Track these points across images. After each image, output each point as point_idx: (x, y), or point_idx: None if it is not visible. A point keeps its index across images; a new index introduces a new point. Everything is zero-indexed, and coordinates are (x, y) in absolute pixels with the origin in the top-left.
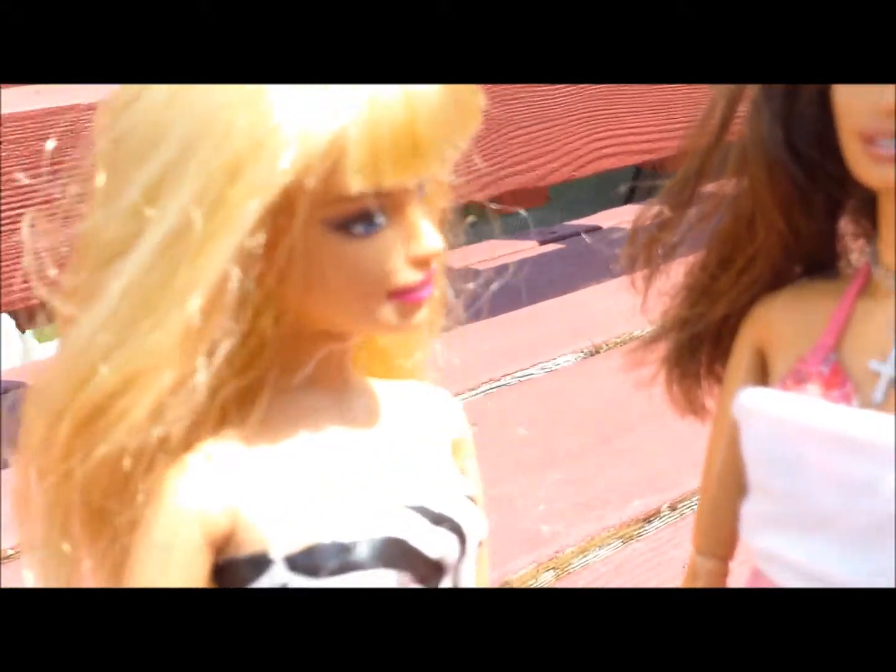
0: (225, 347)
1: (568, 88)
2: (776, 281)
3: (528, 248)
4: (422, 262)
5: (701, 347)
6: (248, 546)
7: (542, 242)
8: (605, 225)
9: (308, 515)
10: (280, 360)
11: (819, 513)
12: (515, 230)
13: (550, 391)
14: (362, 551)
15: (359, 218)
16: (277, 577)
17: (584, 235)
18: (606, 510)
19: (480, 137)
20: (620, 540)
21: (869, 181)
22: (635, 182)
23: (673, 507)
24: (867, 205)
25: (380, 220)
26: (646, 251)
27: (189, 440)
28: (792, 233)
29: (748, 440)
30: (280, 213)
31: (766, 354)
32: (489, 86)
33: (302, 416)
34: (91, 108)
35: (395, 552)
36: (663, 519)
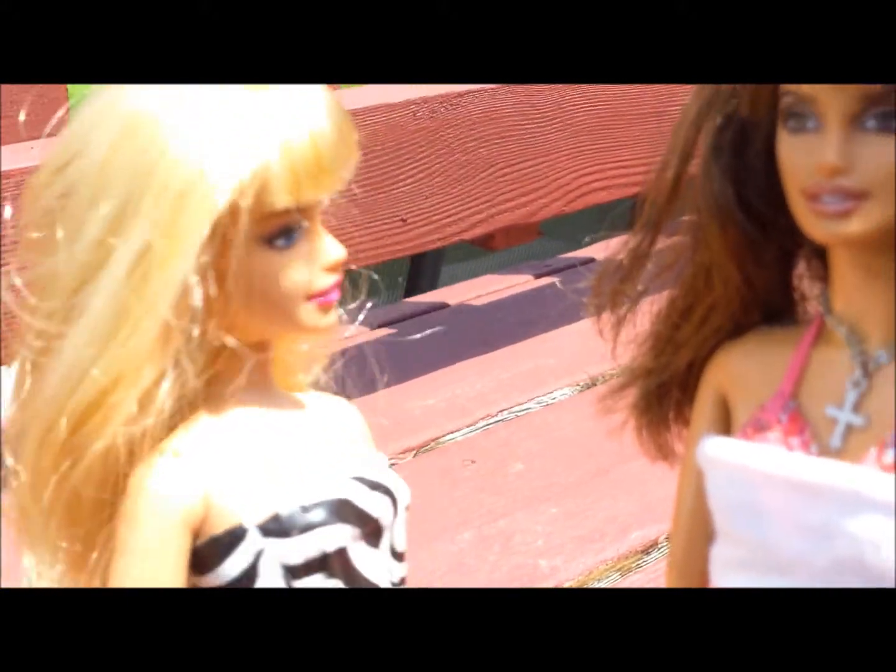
0: (191, 348)
1: (555, 124)
2: (737, 329)
3: (523, 281)
4: (332, 268)
5: (668, 394)
6: (222, 522)
7: (538, 276)
8: (600, 257)
9: (269, 489)
10: (221, 368)
11: (782, 557)
12: (510, 264)
13: (548, 425)
14: (320, 511)
15: (281, 232)
16: (252, 544)
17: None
18: (605, 542)
19: (471, 176)
20: (619, 572)
21: (816, 237)
22: (633, 212)
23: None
24: (820, 252)
25: (297, 233)
26: (611, 300)
27: (164, 433)
28: (747, 284)
29: (712, 488)
30: (224, 232)
31: (728, 401)
32: (474, 127)
33: (247, 412)
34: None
35: (347, 510)
36: (661, 550)
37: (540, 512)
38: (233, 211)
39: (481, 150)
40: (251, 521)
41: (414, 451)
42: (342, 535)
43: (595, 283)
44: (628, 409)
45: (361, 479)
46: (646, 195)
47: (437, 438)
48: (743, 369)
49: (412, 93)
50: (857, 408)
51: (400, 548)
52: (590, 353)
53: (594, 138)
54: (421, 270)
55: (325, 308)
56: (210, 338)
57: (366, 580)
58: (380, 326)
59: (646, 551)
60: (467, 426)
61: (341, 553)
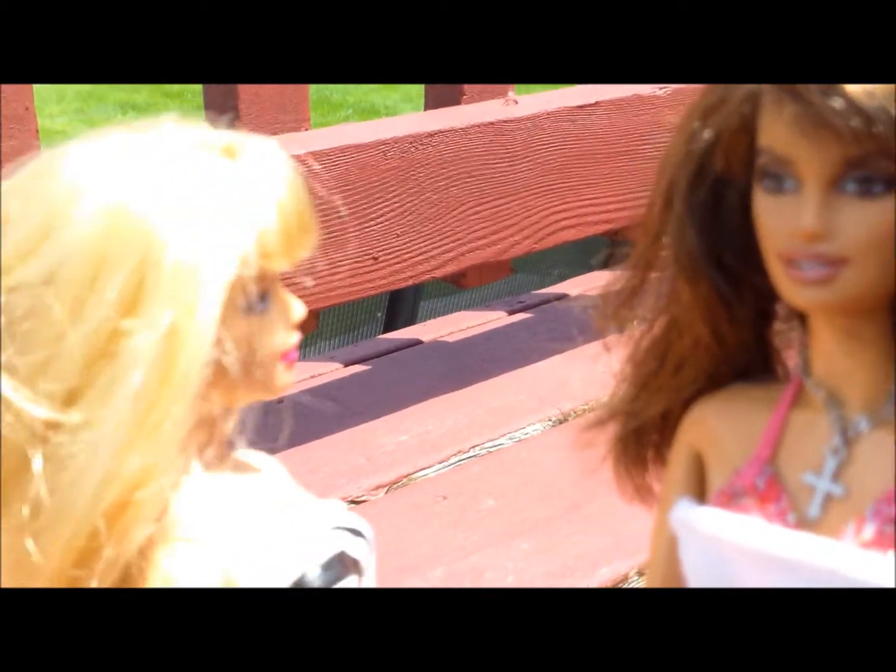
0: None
1: (524, 163)
2: (713, 383)
3: (496, 318)
4: (297, 325)
5: (647, 436)
6: None
7: (511, 312)
8: (573, 292)
9: (283, 555)
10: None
11: None
12: (487, 300)
13: (519, 461)
14: (334, 566)
15: (260, 297)
16: None
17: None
18: (575, 578)
19: (442, 215)
20: None
21: (793, 303)
22: (610, 249)
23: (641, 573)
24: (798, 311)
25: (269, 296)
26: (616, 322)
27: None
28: (717, 341)
29: (686, 555)
30: (229, 308)
31: (703, 459)
32: (445, 167)
33: (224, 480)
34: None
35: (347, 561)
36: (631, 584)
37: (511, 548)
38: (237, 281)
39: (452, 188)
40: None
41: (386, 488)
42: (353, 586)
43: (599, 301)
44: (607, 447)
45: (341, 528)
46: (634, 233)
47: (410, 475)
48: (719, 430)
49: (383, 133)
50: (836, 476)
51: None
52: (561, 388)
53: (564, 177)
54: (399, 306)
55: (290, 366)
56: (213, 412)
57: None
58: (353, 363)
59: (616, 586)
60: (439, 462)
61: None
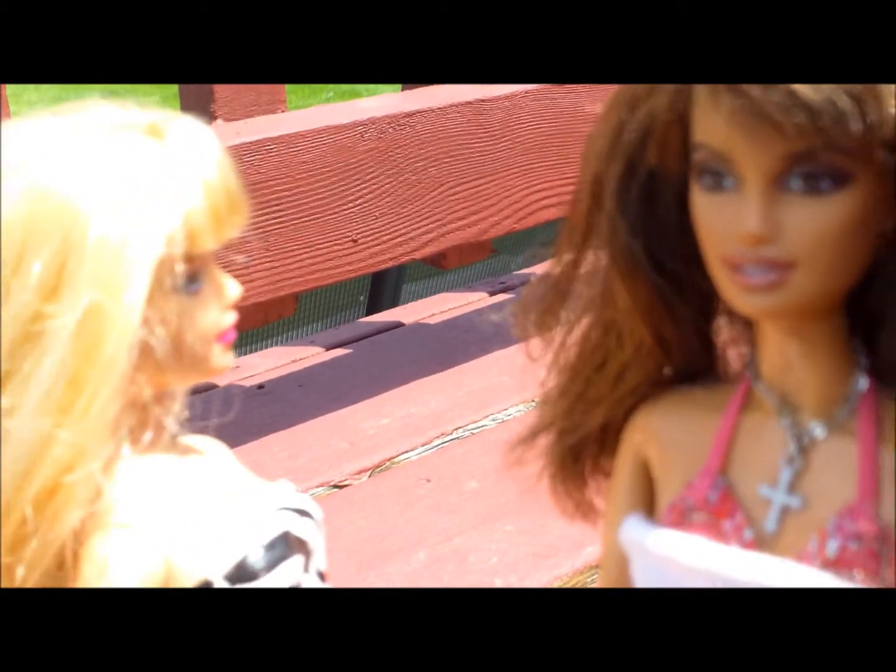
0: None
1: (504, 143)
2: (656, 388)
3: (477, 299)
4: (232, 305)
5: (584, 451)
6: (187, 582)
7: (492, 293)
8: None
9: (224, 537)
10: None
11: None
12: (470, 281)
13: (502, 442)
14: (278, 548)
15: (192, 277)
16: None
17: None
18: (559, 559)
19: (421, 195)
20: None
21: (740, 309)
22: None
23: None
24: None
25: (202, 276)
26: (538, 326)
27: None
28: (661, 344)
29: (638, 573)
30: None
31: (649, 466)
32: (423, 147)
33: (163, 465)
34: None
35: (292, 541)
36: None
37: (495, 530)
38: (163, 260)
39: (431, 169)
40: (217, 573)
41: (369, 472)
42: (298, 566)
43: (518, 309)
44: (543, 463)
45: (289, 509)
46: (564, 226)
47: (392, 458)
48: (666, 436)
49: (359, 114)
50: (792, 487)
51: (323, 567)
52: (544, 369)
53: (543, 156)
54: (381, 289)
55: (228, 347)
56: (142, 395)
57: None
58: (334, 347)
59: (600, 566)
60: (422, 445)
61: (298, 583)
